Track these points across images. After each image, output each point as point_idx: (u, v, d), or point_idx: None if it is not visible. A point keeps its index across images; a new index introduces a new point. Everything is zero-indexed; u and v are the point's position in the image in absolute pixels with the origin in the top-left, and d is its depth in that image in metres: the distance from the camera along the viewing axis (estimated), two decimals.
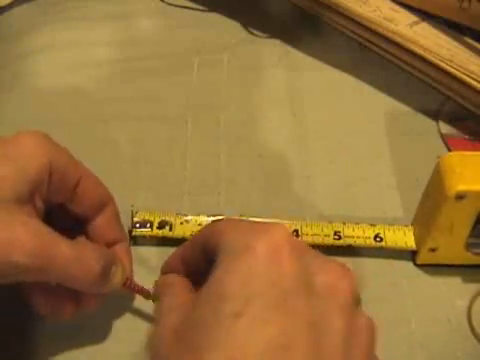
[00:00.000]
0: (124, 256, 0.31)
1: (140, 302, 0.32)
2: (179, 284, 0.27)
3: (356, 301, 0.23)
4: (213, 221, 0.27)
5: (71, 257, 0.26)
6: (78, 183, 0.29)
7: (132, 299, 0.33)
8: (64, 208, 0.30)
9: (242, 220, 0.26)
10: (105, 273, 0.28)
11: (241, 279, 0.21)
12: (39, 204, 0.28)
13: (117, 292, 0.30)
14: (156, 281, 0.29)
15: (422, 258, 0.35)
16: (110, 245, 0.31)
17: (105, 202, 0.31)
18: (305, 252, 0.23)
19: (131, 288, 0.30)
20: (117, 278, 0.29)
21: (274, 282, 0.21)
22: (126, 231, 0.34)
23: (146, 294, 0.30)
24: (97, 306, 0.30)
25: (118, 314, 0.33)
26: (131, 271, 0.32)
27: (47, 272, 0.25)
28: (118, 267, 0.29)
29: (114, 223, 0.32)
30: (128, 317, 0.33)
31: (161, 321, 0.24)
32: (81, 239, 0.28)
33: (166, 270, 0.29)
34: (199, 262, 0.26)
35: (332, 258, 0.24)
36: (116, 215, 0.32)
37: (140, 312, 0.33)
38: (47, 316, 0.30)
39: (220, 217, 0.36)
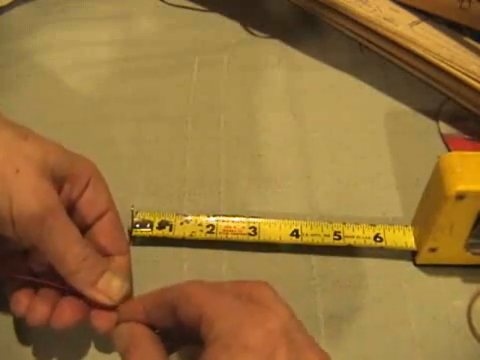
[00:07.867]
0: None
1: None
2: (148, 339, 0.26)
3: None
4: (185, 283, 0.25)
5: (69, 228, 0.28)
6: (88, 183, 0.31)
7: None
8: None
9: (223, 291, 0.24)
10: (85, 263, 0.28)
11: None
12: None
13: None
14: (117, 328, 0.28)
15: (422, 258, 0.35)
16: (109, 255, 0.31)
17: (105, 209, 0.32)
18: (302, 350, 0.22)
19: None
20: (115, 285, 0.29)
21: None
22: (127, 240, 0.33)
23: None
24: (109, 326, 0.28)
25: None
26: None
27: (46, 231, 0.27)
28: (115, 276, 0.29)
29: (114, 232, 0.32)
30: None
31: None
32: None
33: (125, 315, 0.28)
34: (165, 319, 0.25)
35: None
36: (117, 223, 0.32)
37: None
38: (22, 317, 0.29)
39: (220, 218, 0.36)
